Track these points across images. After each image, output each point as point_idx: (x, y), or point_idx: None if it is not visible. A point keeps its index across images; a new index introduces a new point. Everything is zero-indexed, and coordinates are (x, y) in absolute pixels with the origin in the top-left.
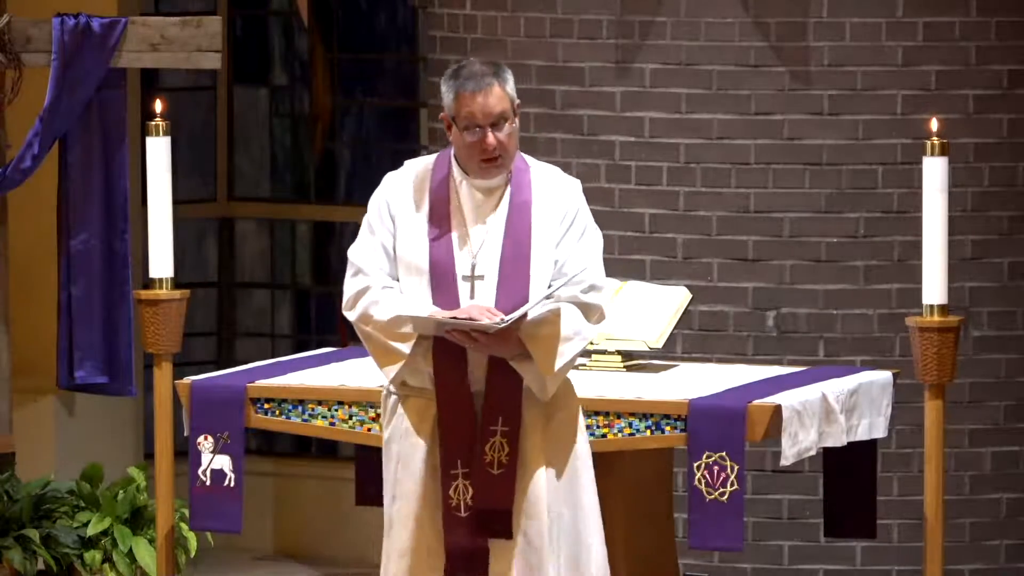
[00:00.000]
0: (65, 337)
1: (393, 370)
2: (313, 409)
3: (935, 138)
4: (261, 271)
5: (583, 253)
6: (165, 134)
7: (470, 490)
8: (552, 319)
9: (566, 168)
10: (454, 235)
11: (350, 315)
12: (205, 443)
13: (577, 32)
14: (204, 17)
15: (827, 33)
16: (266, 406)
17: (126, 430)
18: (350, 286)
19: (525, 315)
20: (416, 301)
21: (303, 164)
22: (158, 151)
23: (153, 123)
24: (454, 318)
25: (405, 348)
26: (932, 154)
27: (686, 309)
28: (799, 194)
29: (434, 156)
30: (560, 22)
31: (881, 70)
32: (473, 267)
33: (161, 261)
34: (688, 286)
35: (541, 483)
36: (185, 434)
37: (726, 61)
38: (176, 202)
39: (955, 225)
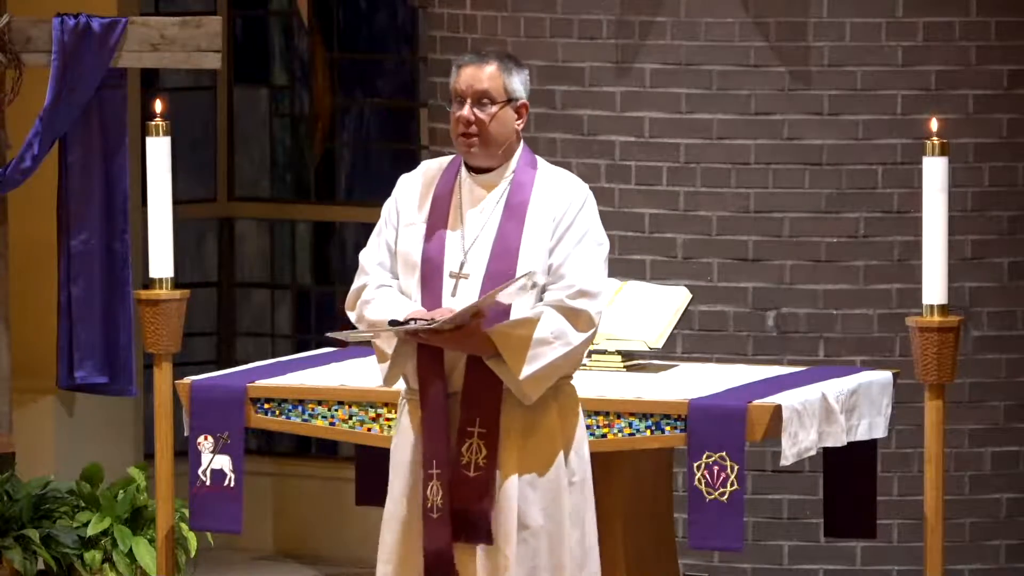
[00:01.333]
0: (65, 337)
1: (384, 367)
2: (313, 409)
3: (935, 138)
4: (261, 271)
5: (578, 257)
6: (165, 134)
7: (441, 491)
8: (523, 321)
9: (566, 168)
10: (449, 231)
11: (351, 315)
12: (205, 443)
13: (577, 32)
14: (204, 17)
15: (827, 33)
16: (266, 406)
17: (126, 430)
18: (353, 285)
19: (479, 311)
20: (399, 301)
21: (303, 164)
22: (158, 151)
23: (153, 123)
24: (407, 320)
25: (388, 348)
26: (932, 154)
27: (686, 309)
28: (799, 194)
29: (451, 156)
30: (560, 22)
31: (881, 70)
32: (462, 264)
33: (161, 261)
34: (688, 286)
35: (513, 489)
36: (185, 434)
37: (726, 61)
38: (176, 202)
39: (955, 225)
